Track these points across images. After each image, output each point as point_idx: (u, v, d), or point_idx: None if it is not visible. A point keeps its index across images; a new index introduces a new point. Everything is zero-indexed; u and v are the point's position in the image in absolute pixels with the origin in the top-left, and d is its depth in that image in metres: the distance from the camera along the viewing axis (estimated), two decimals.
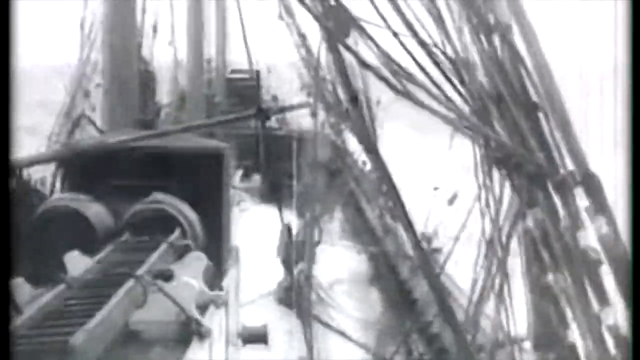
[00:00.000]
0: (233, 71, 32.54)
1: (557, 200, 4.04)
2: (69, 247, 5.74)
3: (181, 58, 22.54)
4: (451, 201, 11.76)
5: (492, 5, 4.16)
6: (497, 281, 4.30)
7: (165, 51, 21.59)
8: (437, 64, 4.70)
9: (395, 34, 4.55)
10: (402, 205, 4.55)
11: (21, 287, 4.80)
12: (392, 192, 4.58)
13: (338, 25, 4.42)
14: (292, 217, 17.79)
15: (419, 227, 15.62)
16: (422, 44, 4.64)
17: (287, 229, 18.26)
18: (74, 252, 5.65)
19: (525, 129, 3.96)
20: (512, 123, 3.93)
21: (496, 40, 4.16)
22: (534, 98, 4.07)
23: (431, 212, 13.83)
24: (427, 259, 5.01)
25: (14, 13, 3.72)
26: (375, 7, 4.65)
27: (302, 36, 22.81)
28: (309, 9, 4.56)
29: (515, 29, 4.22)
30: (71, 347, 3.80)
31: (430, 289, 4.74)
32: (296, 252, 13.26)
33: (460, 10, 4.36)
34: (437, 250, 14.47)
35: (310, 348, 5.70)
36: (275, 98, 26.91)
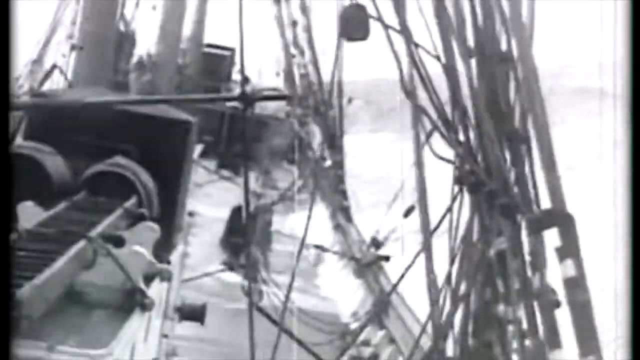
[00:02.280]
0: (208, 45, 32.41)
1: (524, 235, 4.05)
2: (23, 196, 5.66)
3: (162, 24, 22.39)
4: (407, 214, 11.79)
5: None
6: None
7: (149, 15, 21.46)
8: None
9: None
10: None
11: None
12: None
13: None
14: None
15: (370, 232, 15.68)
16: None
17: (238, 210, 18.19)
18: (28, 202, 5.58)
19: (503, 159, 3.96)
20: (491, 150, 3.94)
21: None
22: (521, 130, 4.08)
23: (385, 220, 13.89)
24: None
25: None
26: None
27: (294, 24, 22.78)
28: None
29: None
30: (18, 300, 3.76)
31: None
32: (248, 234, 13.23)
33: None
34: (386, 258, 14.52)
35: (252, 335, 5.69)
36: (246, 79, 26.83)
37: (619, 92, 4.43)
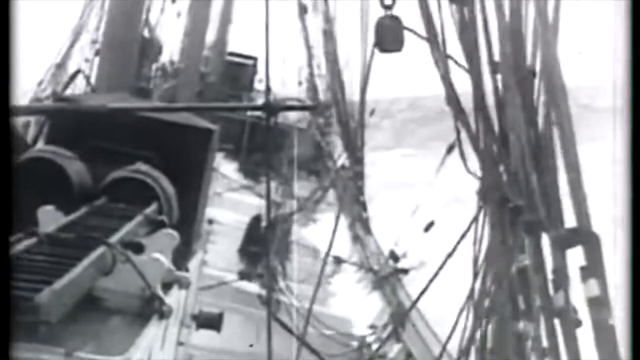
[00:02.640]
0: (230, 54, 32.58)
1: (547, 252, 4.01)
2: (44, 200, 5.66)
3: (186, 31, 22.52)
4: (427, 228, 11.78)
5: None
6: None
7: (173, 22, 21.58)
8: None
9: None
10: None
11: None
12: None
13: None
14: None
15: (389, 245, 15.68)
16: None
17: (257, 219, 18.19)
18: (48, 206, 5.58)
19: (530, 176, 3.92)
20: (519, 166, 3.89)
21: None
22: (547, 146, 4.04)
23: (403, 234, 13.87)
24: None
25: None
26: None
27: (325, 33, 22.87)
28: None
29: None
30: (36, 305, 3.75)
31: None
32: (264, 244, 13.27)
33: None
34: (404, 271, 14.49)
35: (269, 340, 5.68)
36: (269, 89, 26.95)
37: (619, 109, 4.41)
